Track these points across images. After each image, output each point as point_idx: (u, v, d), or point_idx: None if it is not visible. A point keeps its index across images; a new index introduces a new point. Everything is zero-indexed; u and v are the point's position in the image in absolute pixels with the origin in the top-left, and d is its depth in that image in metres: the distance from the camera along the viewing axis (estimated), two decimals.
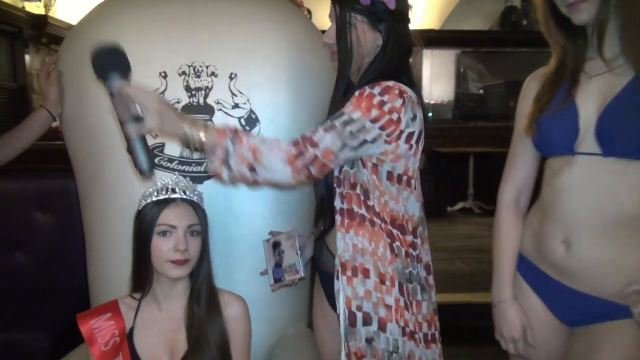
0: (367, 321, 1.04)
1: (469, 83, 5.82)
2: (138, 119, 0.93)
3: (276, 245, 1.28)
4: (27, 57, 4.67)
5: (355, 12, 1.05)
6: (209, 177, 1.32)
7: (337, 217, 1.07)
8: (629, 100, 0.93)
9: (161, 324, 1.14)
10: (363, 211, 1.05)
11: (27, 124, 1.36)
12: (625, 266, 0.96)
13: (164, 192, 1.10)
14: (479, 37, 5.51)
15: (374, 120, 0.98)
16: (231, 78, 1.32)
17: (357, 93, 1.02)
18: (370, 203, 1.05)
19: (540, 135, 1.04)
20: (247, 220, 1.36)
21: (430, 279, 1.12)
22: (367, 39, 1.07)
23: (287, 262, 1.25)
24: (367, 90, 1.01)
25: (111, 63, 0.95)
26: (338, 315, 1.06)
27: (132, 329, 1.13)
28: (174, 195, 1.10)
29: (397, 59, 1.08)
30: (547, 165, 1.08)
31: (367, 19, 1.05)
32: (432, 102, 5.69)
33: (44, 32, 4.73)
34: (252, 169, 0.96)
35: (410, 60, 1.13)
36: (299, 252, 1.24)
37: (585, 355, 0.98)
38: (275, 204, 1.37)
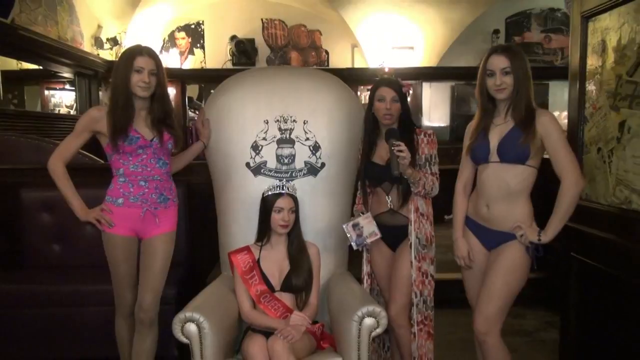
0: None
1: (463, 108, 6.81)
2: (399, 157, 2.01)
3: (355, 225, 2.20)
4: (100, 94, 5.75)
5: None
6: (292, 179, 2.31)
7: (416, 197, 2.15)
8: (511, 137, 1.92)
9: (274, 257, 2.12)
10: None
11: (191, 149, 2.36)
12: (513, 214, 1.94)
13: (278, 189, 2.10)
14: (471, 72, 6.52)
15: None
16: (305, 123, 2.32)
17: (426, 140, 2.18)
18: None
19: (473, 154, 2.02)
20: (312, 205, 2.34)
21: None
22: None
23: (367, 232, 2.18)
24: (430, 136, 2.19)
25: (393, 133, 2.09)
26: (410, 245, 2.14)
27: (259, 259, 2.11)
28: (282, 191, 2.09)
29: None
30: (478, 169, 2.07)
31: None
32: (432, 126, 6.69)
33: None
34: (432, 189, 2.14)
35: (411, 92, 2.27)
36: (375, 224, 2.19)
37: (493, 262, 1.95)
38: (329, 197, 2.36)
